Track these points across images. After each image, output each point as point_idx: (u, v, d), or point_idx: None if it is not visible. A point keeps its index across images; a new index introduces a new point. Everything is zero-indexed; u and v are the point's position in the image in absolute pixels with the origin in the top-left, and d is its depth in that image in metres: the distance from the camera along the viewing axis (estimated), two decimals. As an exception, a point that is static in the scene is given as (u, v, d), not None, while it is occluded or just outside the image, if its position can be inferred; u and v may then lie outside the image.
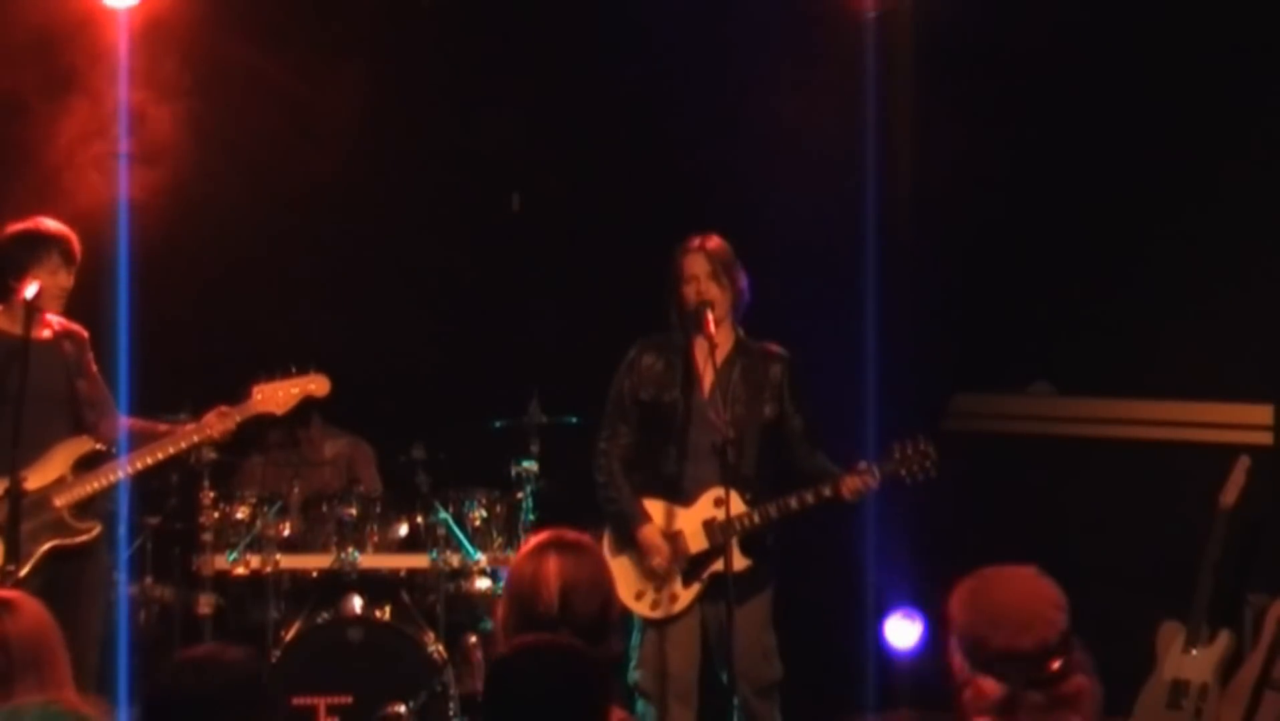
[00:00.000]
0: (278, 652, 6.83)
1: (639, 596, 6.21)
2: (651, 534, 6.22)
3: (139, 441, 6.21)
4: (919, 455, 6.19)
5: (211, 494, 7.03)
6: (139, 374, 6.54)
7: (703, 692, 6.30)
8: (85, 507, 6.12)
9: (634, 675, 6.27)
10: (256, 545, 7.07)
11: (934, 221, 7.62)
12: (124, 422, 6.27)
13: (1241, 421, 7.21)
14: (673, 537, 6.21)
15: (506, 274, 8.21)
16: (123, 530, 6.68)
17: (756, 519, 6.16)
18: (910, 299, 7.49)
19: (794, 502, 6.18)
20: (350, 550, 7.09)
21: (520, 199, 8.45)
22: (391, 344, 7.88)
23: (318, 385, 6.44)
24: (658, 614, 6.22)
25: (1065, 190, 7.48)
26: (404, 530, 7.32)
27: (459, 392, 7.84)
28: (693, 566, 6.21)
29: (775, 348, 6.41)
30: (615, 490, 6.30)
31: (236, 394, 6.34)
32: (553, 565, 4.11)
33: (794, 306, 6.83)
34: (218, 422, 6.26)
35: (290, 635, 6.94)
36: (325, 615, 7.01)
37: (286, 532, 7.19)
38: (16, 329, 5.95)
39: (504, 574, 7.08)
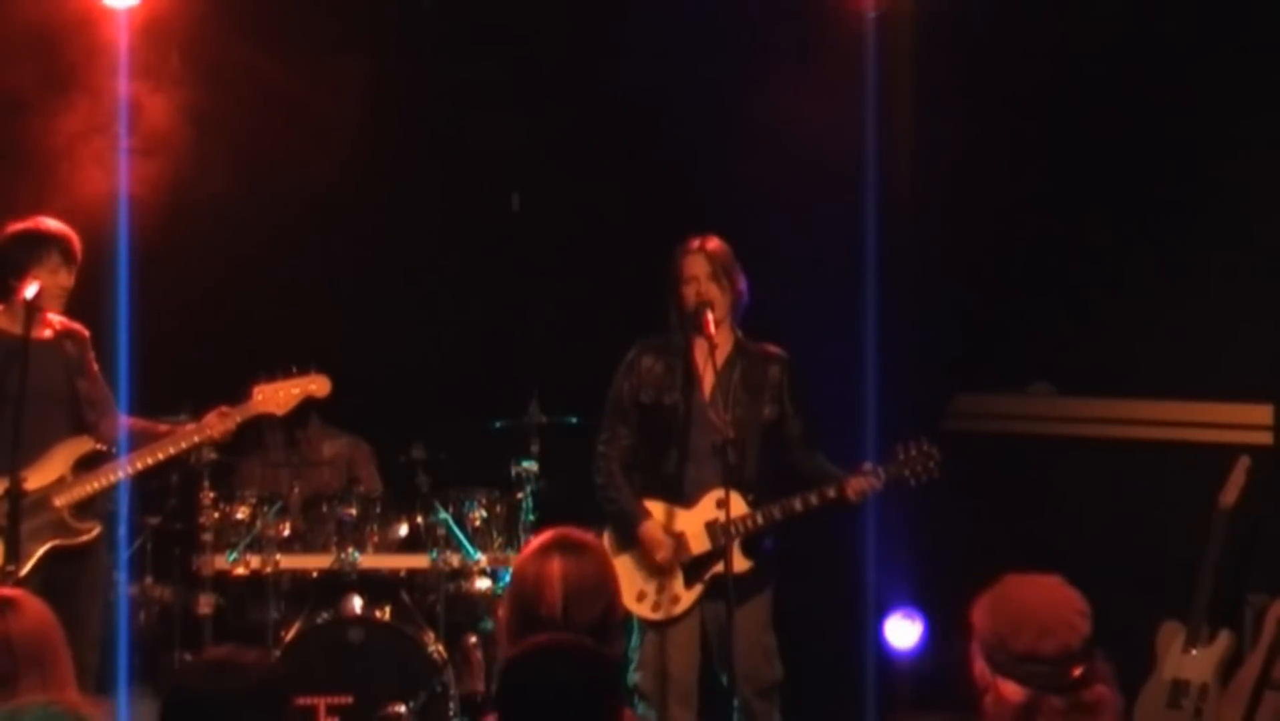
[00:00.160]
0: (278, 653, 6.81)
1: (640, 598, 6.19)
2: (653, 529, 6.20)
3: (139, 441, 6.20)
4: (922, 456, 6.18)
5: (211, 494, 7.04)
6: (139, 374, 6.53)
7: (703, 694, 6.28)
8: (85, 507, 6.10)
9: (634, 677, 6.25)
10: (256, 545, 7.08)
11: (934, 221, 7.62)
12: (124, 422, 6.26)
13: (1241, 421, 7.21)
14: (674, 539, 6.20)
15: (507, 274, 8.20)
16: (123, 530, 6.68)
17: (759, 520, 6.14)
18: (910, 299, 7.49)
19: (798, 504, 6.16)
20: (350, 550, 7.09)
21: (520, 199, 8.45)
22: (391, 344, 7.87)
23: (318, 385, 6.43)
24: (658, 615, 6.20)
25: (1065, 190, 7.47)
26: (404, 530, 7.33)
27: (459, 393, 7.83)
28: (694, 568, 6.20)
29: (774, 349, 6.40)
30: (615, 490, 6.28)
31: (237, 394, 6.33)
32: (556, 567, 4.07)
33: (794, 307, 6.81)
34: (218, 423, 6.25)
35: (290, 635, 6.94)
36: (325, 615, 7.01)
37: (286, 532, 7.20)
38: (17, 328, 5.94)
39: (504, 574, 7.11)
